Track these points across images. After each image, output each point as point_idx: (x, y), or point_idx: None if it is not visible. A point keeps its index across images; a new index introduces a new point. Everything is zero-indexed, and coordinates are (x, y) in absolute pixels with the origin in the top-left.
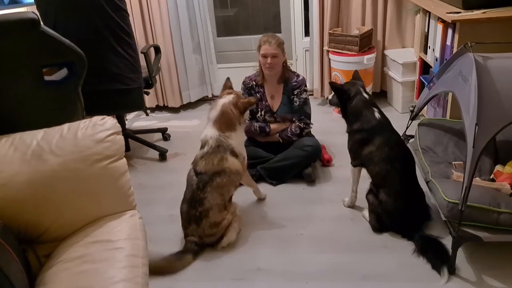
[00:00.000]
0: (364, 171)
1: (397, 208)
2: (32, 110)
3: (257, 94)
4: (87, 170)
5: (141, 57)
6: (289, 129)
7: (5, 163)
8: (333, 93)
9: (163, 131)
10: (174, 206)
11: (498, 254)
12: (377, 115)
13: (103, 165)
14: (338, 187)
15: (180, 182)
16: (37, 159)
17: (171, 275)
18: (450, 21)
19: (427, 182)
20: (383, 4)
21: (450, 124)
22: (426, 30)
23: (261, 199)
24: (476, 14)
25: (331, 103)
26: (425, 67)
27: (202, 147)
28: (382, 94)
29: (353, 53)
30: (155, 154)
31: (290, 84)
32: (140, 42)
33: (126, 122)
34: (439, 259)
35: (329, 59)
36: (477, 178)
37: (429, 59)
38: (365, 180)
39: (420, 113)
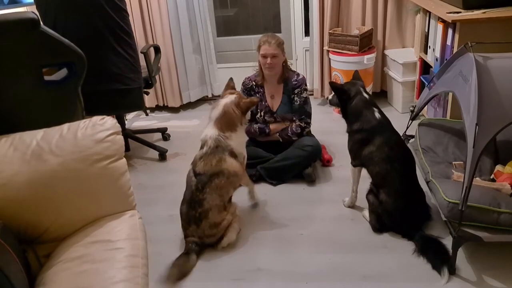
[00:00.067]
0: (364, 171)
1: (397, 208)
2: (32, 110)
3: (257, 95)
4: (87, 170)
5: (141, 57)
6: (289, 129)
7: (5, 163)
8: (333, 93)
9: (163, 131)
10: (174, 206)
11: (498, 254)
12: (377, 115)
13: (103, 165)
14: (338, 187)
15: (180, 182)
16: (37, 159)
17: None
18: (450, 21)
19: (427, 182)
20: (383, 4)
21: (450, 124)
22: (426, 30)
23: (255, 203)
24: (476, 14)
25: (331, 103)
26: (425, 67)
27: (201, 147)
28: (382, 94)
29: (353, 53)
30: (155, 154)
31: (290, 83)
32: (140, 42)
33: (126, 122)
34: (439, 259)
35: (329, 59)
36: (477, 178)
37: (429, 59)
38: (365, 180)
39: (420, 113)
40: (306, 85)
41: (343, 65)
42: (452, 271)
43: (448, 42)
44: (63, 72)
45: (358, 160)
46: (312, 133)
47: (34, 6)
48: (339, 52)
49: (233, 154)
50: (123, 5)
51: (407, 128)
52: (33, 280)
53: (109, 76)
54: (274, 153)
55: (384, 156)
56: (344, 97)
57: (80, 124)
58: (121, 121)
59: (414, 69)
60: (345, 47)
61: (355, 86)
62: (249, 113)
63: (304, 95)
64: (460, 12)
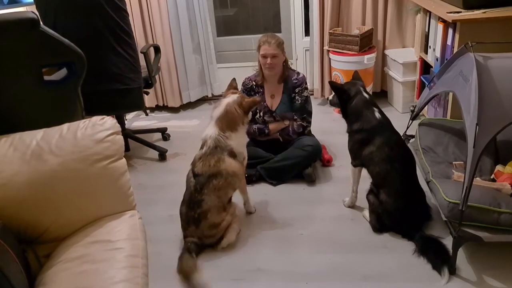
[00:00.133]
0: (364, 171)
1: (398, 208)
2: (32, 110)
3: (257, 95)
4: (87, 170)
5: (141, 57)
6: (290, 128)
7: (5, 163)
8: (333, 93)
9: (162, 131)
10: (174, 206)
11: (498, 254)
12: (377, 115)
13: (103, 165)
14: (338, 187)
15: (180, 182)
16: (37, 159)
17: (168, 275)
18: (450, 21)
19: (427, 182)
20: (384, 4)
21: (450, 124)
22: (427, 30)
23: (250, 213)
24: (477, 14)
25: (332, 103)
26: (425, 67)
27: (201, 147)
28: (382, 94)
29: (353, 53)
30: (154, 154)
31: (291, 82)
32: (140, 42)
33: (126, 122)
34: (440, 259)
35: (330, 59)
36: (477, 178)
37: (429, 59)
38: (366, 180)
39: (420, 113)
40: (306, 83)
41: (343, 65)
42: (452, 271)
43: (449, 42)
44: (63, 72)
45: (358, 160)
46: (312, 133)
47: (34, 6)
48: (339, 52)
49: (233, 154)
50: (123, 5)
51: (407, 128)
52: (33, 280)
53: (109, 76)
54: (274, 153)
55: (384, 156)
56: (344, 97)
57: (80, 124)
58: (121, 121)
59: (414, 69)
60: (345, 47)
61: (355, 86)
62: (250, 113)
63: (305, 94)
64: (461, 12)
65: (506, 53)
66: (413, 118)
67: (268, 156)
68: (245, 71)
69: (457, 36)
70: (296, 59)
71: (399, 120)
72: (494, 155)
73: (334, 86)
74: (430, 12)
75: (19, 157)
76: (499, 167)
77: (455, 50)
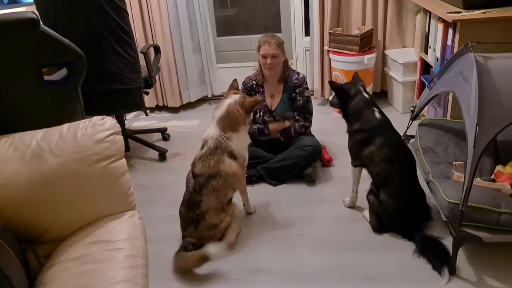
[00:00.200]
0: (364, 171)
1: (398, 208)
2: (32, 110)
3: (257, 94)
4: (87, 170)
5: (141, 57)
6: (292, 129)
7: (5, 163)
8: (333, 94)
9: (162, 131)
10: (174, 206)
11: (498, 255)
12: (377, 115)
13: (103, 165)
14: (338, 187)
15: (180, 182)
16: (37, 159)
17: (168, 275)
18: (450, 21)
19: (427, 183)
20: (384, 4)
21: (450, 124)
22: (427, 30)
23: (250, 213)
24: (477, 14)
25: (332, 104)
26: (425, 67)
27: (202, 147)
28: (382, 94)
29: (353, 53)
30: (154, 154)
31: (291, 82)
32: (140, 42)
33: (126, 122)
34: (440, 259)
35: (330, 59)
36: (477, 179)
37: (429, 59)
38: (366, 180)
39: (420, 113)
40: (306, 83)
41: (343, 65)
42: (453, 272)
43: (449, 42)
44: (63, 72)
45: (358, 160)
46: (312, 133)
47: (34, 6)
48: (340, 52)
49: (233, 156)
50: (123, 5)
51: (408, 128)
52: (33, 280)
53: (109, 76)
54: (274, 153)
55: (384, 156)
56: (344, 96)
57: (80, 124)
58: (121, 121)
59: (414, 69)
60: (345, 47)
61: (355, 86)
62: (252, 113)
63: (306, 94)
64: (461, 12)
65: (506, 53)
66: (413, 118)
67: (268, 156)
68: (245, 71)
69: (457, 36)
70: (296, 59)
71: (399, 120)
72: (494, 155)
73: (334, 86)
74: (430, 12)
75: (19, 157)
76: (499, 168)
77: (455, 50)
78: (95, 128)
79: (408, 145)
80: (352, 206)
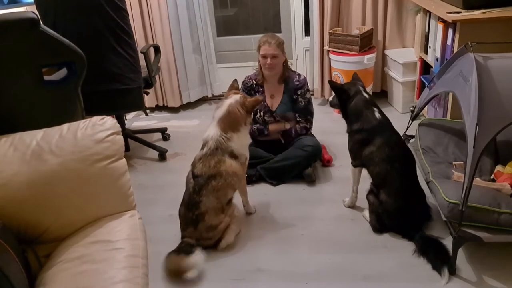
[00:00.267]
0: (364, 171)
1: (398, 208)
2: (32, 110)
3: (257, 94)
4: (87, 170)
5: (141, 57)
6: (293, 130)
7: (5, 163)
8: (333, 94)
9: (162, 131)
10: (174, 206)
11: (498, 255)
12: (377, 115)
13: (103, 165)
14: (338, 187)
15: (180, 182)
16: (37, 159)
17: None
18: (450, 21)
19: (427, 183)
20: (384, 4)
21: (450, 124)
22: (427, 30)
23: (250, 213)
24: (477, 14)
25: (331, 104)
26: (425, 67)
27: (202, 147)
28: (382, 94)
29: (353, 53)
30: (154, 154)
31: (292, 83)
32: (140, 42)
33: (126, 122)
34: (440, 259)
35: (330, 59)
36: (477, 179)
37: (429, 59)
38: (366, 180)
39: (420, 113)
40: (307, 85)
41: (343, 65)
42: (452, 272)
43: (449, 42)
44: (63, 72)
45: (358, 160)
46: (312, 133)
47: (34, 6)
48: (339, 52)
49: (233, 155)
50: (123, 5)
51: (407, 128)
52: (33, 280)
53: (109, 76)
54: (274, 153)
55: (384, 156)
56: (343, 96)
57: (80, 124)
58: (121, 121)
59: (414, 69)
60: (345, 47)
61: (355, 86)
62: (252, 113)
63: (308, 95)
64: (461, 12)
65: (506, 53)
66: (413, 118)
67: (268, 156)
68: (245, 71)
69: (457, 36)
70: (296, 59)
71: (399, 120)
72: (494, 155)
73: (333, 85)
74: (430, 12)
75: (19, 157)
76: (499, 167)
77: (455, 50)
78: (95, 128)
79: (408, 145)
80: (352, 206)
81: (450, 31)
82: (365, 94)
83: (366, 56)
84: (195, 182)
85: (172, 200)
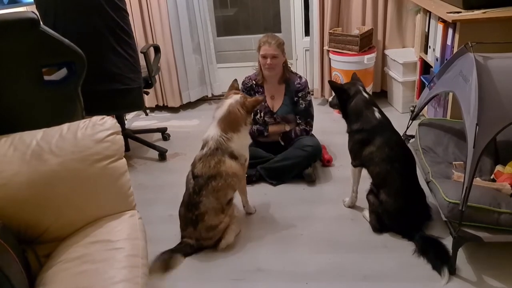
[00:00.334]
0: (364, 171)
1: (398, 208)
2: (32, 110)
3: (257, 94)
4: (87, 170)
5: (141, 57)
6: (293, 133)
7: (5, 163)
8: (333, 95)
9: (162, 131)
10: (174, 206)
11: (498, 254)
12: (377, 115)
13: (103, 165)
14: (338, 187)
15: (180, 182)
16: (37, 159)
17: (168, 275)
18: (450, 21)
19: (427, 182)
20: (384, 4)
21: (450, 124)
22: (427, 30)
23: (250, 213)
24: (477, 14)
25: (331, 105)
26: (425, 67)
27: (202, 147)
28: (382, 94)
29: (353, 53)
30: (154, 154)
31: (293, 86)
32: (140, 42)
33: (126, 122)
34: (440, 259)
35: (329, 59)
36: (477, 178)
37: (429, 59)
38: (366, 180)
39: (420, 113)
40: (308, 87)
41: (343, 65)
42: (452, 271)
43: (448, 42)
44: (63, 72)
45: (358, 160)
46: (312, 133)
47: (34, 6)
48: (339, 52)
49: (233, 156)
50: (123, 5)
51: (407, 128)
52: (33, 280)
53: (109, 76)
54: (274, 153)
55: (384, 156)
56: (343, 96)
57: (80, 124)
58: (121, 121)
59: (414, 69)
60: (345, 47)
61: (354, 86)
62: (252, 113)
63: (309, 98)
64: (460, 12)
65: (506, 53)
66: (413, 118)
67: (268, 156)
68: (245, 71)
69: (457, 36)
70: (296, 59)
71: (399, 120)
72: (494, 155)
73: (333, 85)
74: (430, 12)
75: (19, 157)
76: (499, 167)
77: (455, 50)
78: (95, 128)
79: (408, 145)
80: (352, 206)
81: (450, 31)
82: (365, 94)
83: (366, 56)
84: (195, 182)
85: (172, 200)
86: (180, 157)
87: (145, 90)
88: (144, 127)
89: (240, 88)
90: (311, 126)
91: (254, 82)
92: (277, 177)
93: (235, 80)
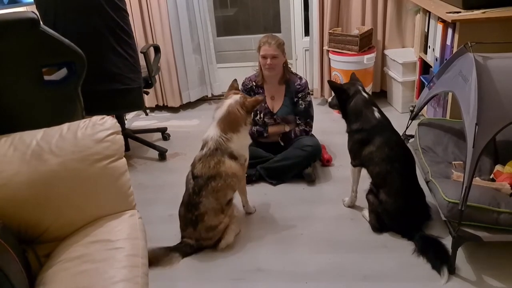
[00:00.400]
0: (364, 171)
1: (397, 208)
2: (32, 110)
3: (257, 95)
4: (87, 170)
5: (141, 57)
6: (293, 133)
7: (5, 163)
8: (332, 95)
9: (162, 130)
10: (174, 206)
11: (498, 254)
12: (377, 114)
13: (103, 165)
14: (338, 187)
15: (180, 182)
16: (37, 159)
17: (168, 275)
18: (450, 21)
19: (427, 182)
20: (383, 4)
21: (450, 124)
22: (426, 30)
23: (250, 213)
24: (476, 14)
25: (331, 105)
26: (425, 67)
27: (202, 148)
28: (382, 94)
29: (353, 53)
30: (154, 154)
31: (293, 86)
32: (140, 42)
33: (126, 121)
34: (439, 259)
35: (329, 59)
36: (477, 178)
37: (429, 59)
38: (365, 180)
39: (420, 113)
40: (308, 88)
41: (343, 65)
42: (452, 271)
43: (448, 42)
44: (63, 72)
45: (358, 160)
46: (312, 133)
47: (34, 6)
48: (339, 52)
49: (233, 156)
50: (123, 5)
51: (407, 128)
52: (33, 280)
53: (109, 76)
54: (274, 153)
55: (384, 156)
56: (343, 96)
57: (80, 124)
58: (121, 121)
59: (414, 69)
60: (345, 47)
61: (354, 86)
62: (252, 113)
63: (308, 98)
64: (460, 12)
65: (506, 53)
66: (412, 118)
67: (268, 156)
68: (245, 71)
69: (456, 36)
70: (296, 59)
71: (399, 120)
72: (493, 155)
73: (333, 85)
74: (429, 12)
75: (19, 157)
76: (498, 167)
77: (455, 50)
78: (95, 127)
79: (408, 144)
80: (352, 205)
81: (450, 31)
82: (364, 94)
83: (366, 56)
84: (195, 182)
85: (172, 200)
86: (180, 157)
87: (145, 90)
88: (144, 127)
89: (240, 89)
90: (311, 126)
91: (254, 84)
92: (277, 177)
93: (235, 80)
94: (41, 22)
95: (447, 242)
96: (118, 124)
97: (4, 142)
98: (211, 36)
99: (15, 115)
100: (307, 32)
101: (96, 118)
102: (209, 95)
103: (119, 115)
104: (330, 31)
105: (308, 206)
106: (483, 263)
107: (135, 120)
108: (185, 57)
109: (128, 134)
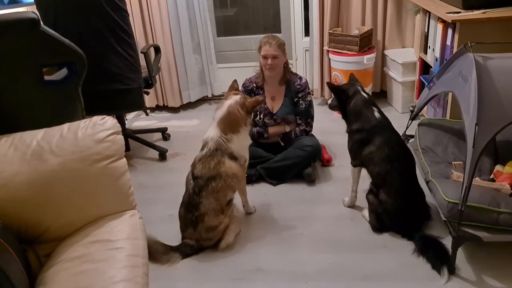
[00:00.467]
0: (364, 171)
1: (397, 208)
2: (32, 110)
3: None
4: (87, 170)
5: (141, 57)
6: (293, 133)
7: (5, 163)
8: (332, 97)
9: (163, 131)
10: (174, 206)
11: (498, 254)
12: (376, 114)
13: (103, 165)
14: (338, 187)
15: (180, 182)
16: (37, 159)
17: (168, 275)
18: (450, 21)
19: (427, 182)
20: (383, 4)
21: (450, 124)
22: (426, 30)
23: (250, 213)
24: (476, 14)
25: (331, 107)
26: (425, 67)
27: (202, 148)
28: (382, 94)
29: (353, 53)
30: (155, 154)
31: (293, 87)
32: (140, 42)
33: (126, 122)
34: (439, 259)
35: (329, 59)
36: (477, 178)
37: (429, 59)
38: (365, 180)
39: (420, 113)
40: (309, 88)
41: (343, 65)
42: (452, 271)
43: (448, 42)
44: (63, 72)
45: (358, 160)
46: (312, 133)
47: (34, 6)
48: (339, 52)
49: (233, 157)
50: (123, 5)
51: (407, 128)
52: (33, 279)
53: (109, 76)
54: (274, 153)
55: (384, 156)
56: (343, 96)
57: (80, 124)
58: (121, 121)
59: (414, 69)
60: (345, 47)
61: (353, 86)
62: (252, 113)
63: (309, 98)
64: (460, 12)
65: (505, 53)
66: (412, 118)
67: (268, 156)
68: (245, 71)
69: (456, 36)
70: (296, 59)
71: (399, 120)
72: (493, 155)
73: (332, 86)
74: (429, 12)
75: (20, 157)
76: (498, 167)
77: (455, 50)
78: (95, 128)
79: (408, 145)
80: (352, 205)
81: (450, 31)
82: (364, 94)
83: (366, 56)
84: (195, 183)
85: (172, 200)
86: (180, 157)
87: (145, 90)
88: (144, 127)
89: (240, 89)
90: (311, 126)
91: (255, 85)
92: (277, 177)
93: (235, 81)
94: (41, 22)
95: (447, 242)
96: (118, 124)
97: (5, 142)
98: (211, 36)
99: (15, 115)
100: (307, 32)
101: (96, 118)
102: (209, 95)
103: (119, 115)
104: (330, 31)
105: (308, 206)
106: (483, 263)
107: (136, 120)
108: (185, 57)
109: (129, 134)
